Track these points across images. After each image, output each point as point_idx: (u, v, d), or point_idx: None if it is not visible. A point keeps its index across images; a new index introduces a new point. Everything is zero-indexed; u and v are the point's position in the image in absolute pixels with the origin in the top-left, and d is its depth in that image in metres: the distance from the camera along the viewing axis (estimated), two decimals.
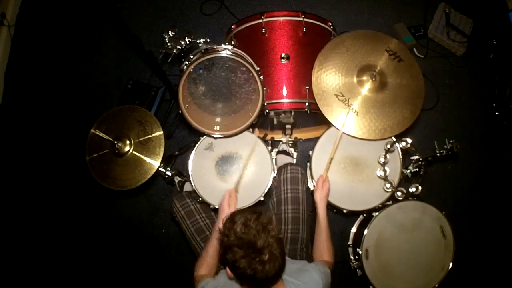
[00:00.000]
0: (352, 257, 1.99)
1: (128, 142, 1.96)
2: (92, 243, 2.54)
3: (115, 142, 1.94)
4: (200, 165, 1.93)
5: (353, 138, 1.82)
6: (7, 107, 2.83)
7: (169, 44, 1.79)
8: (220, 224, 1.62)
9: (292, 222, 1.83)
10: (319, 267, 1.46)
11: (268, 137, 2.19)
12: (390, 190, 1.82)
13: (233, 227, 1.22)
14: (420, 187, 1.79)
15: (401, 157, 1.89)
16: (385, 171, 1.83)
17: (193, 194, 1.98)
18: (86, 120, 2.15)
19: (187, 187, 2.32)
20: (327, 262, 1.59)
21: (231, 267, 1.24)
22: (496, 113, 2.64)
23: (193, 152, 1.94)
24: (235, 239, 1.20)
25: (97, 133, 1.98)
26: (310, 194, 1.97)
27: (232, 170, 1.94)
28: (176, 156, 2.46)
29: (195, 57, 1.74)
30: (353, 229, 2.08)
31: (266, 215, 1.26)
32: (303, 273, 1.41)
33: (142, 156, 1.97)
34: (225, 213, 1.65)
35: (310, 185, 1.96)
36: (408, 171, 1.88)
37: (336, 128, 1.82)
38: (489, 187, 2.55)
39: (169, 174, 2.27)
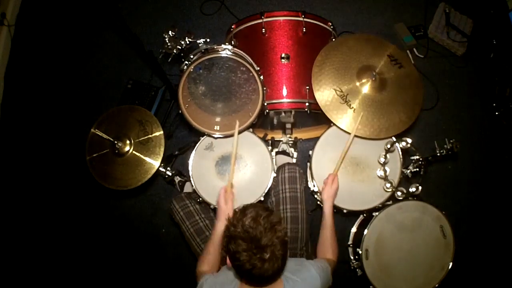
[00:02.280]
0: (352, 257, 1.99)
1: (128, 142, 1.96)
2: (92, 243, 2.54)
3: (115, 142, 1.94)
4: (200, 165, 1.93)
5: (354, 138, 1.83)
6: (7, 107, 2.83)
7: (169, 44, 1.79)
8: (219, 221, 1.62)
9: (291, 221, 1.83)
10: (318, 263, 1.47)
11: (268, 137, 2.19)
12: (390, 190, 1.83)
13: (242, 218, 1.23)
14: (420, 187, 1.79)
15: (401, 157, 1.89)
16: (385, 171, 1.83)
17: (193, 195, 1.98)
18: (86, 120, 2.15)
19: (187, 188, 2.32)
20: (329, 260, 1.59)
21: (231, 257, 1.25)
22: (496, 113, 2.63)
23: (193, 152, 1.94)
24: (242, 231, 1.21)
25: (97, 133, 1.98)
26: (310, 194, 1.98)
27: None
28: (176, 156, 2.46)
29: (195, 57, 1.74)
30: (353, 229, 2.09)
31: (277, 215, 1.26)
32: (301, 270, 1.42)
33: (142, 156, 1.97)
34: (222, 210, 1.65)
35: (310, 184, 1.96)
36: (408, 171, 1.88)
37: (336, 126, 1.82)
38: (489, 187, 2.55)
39: (169, 174, 2.27)
